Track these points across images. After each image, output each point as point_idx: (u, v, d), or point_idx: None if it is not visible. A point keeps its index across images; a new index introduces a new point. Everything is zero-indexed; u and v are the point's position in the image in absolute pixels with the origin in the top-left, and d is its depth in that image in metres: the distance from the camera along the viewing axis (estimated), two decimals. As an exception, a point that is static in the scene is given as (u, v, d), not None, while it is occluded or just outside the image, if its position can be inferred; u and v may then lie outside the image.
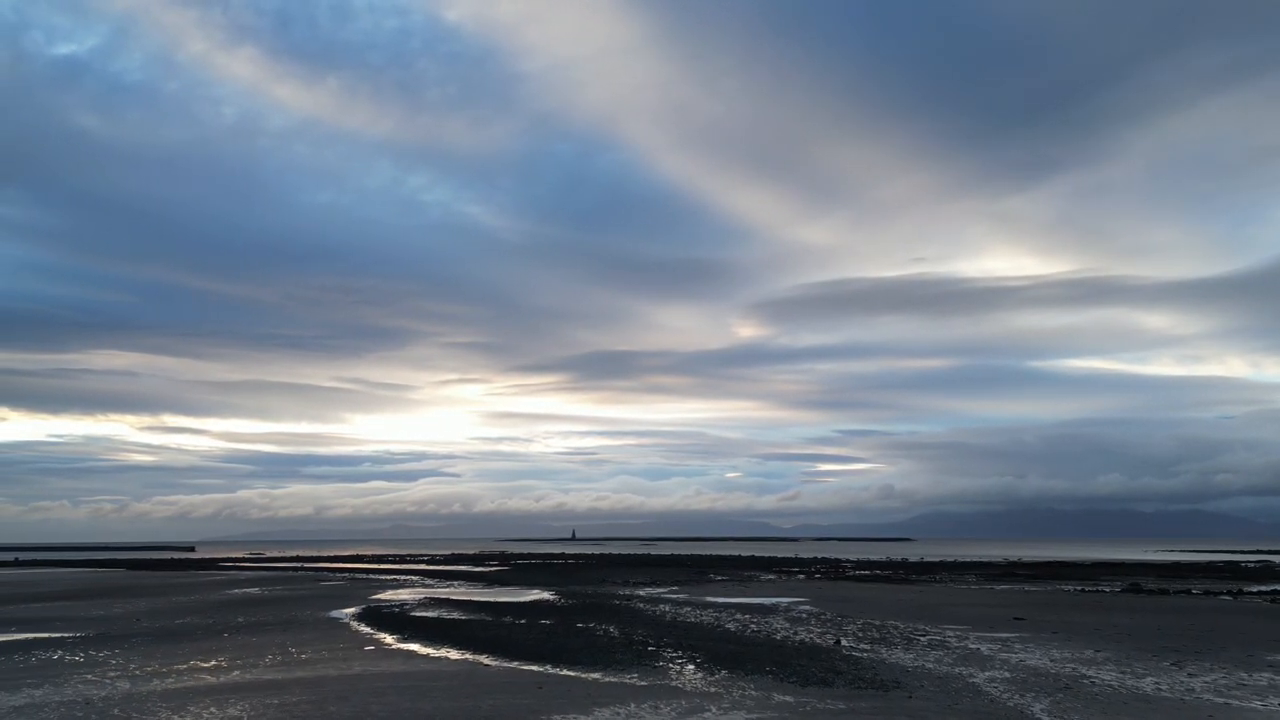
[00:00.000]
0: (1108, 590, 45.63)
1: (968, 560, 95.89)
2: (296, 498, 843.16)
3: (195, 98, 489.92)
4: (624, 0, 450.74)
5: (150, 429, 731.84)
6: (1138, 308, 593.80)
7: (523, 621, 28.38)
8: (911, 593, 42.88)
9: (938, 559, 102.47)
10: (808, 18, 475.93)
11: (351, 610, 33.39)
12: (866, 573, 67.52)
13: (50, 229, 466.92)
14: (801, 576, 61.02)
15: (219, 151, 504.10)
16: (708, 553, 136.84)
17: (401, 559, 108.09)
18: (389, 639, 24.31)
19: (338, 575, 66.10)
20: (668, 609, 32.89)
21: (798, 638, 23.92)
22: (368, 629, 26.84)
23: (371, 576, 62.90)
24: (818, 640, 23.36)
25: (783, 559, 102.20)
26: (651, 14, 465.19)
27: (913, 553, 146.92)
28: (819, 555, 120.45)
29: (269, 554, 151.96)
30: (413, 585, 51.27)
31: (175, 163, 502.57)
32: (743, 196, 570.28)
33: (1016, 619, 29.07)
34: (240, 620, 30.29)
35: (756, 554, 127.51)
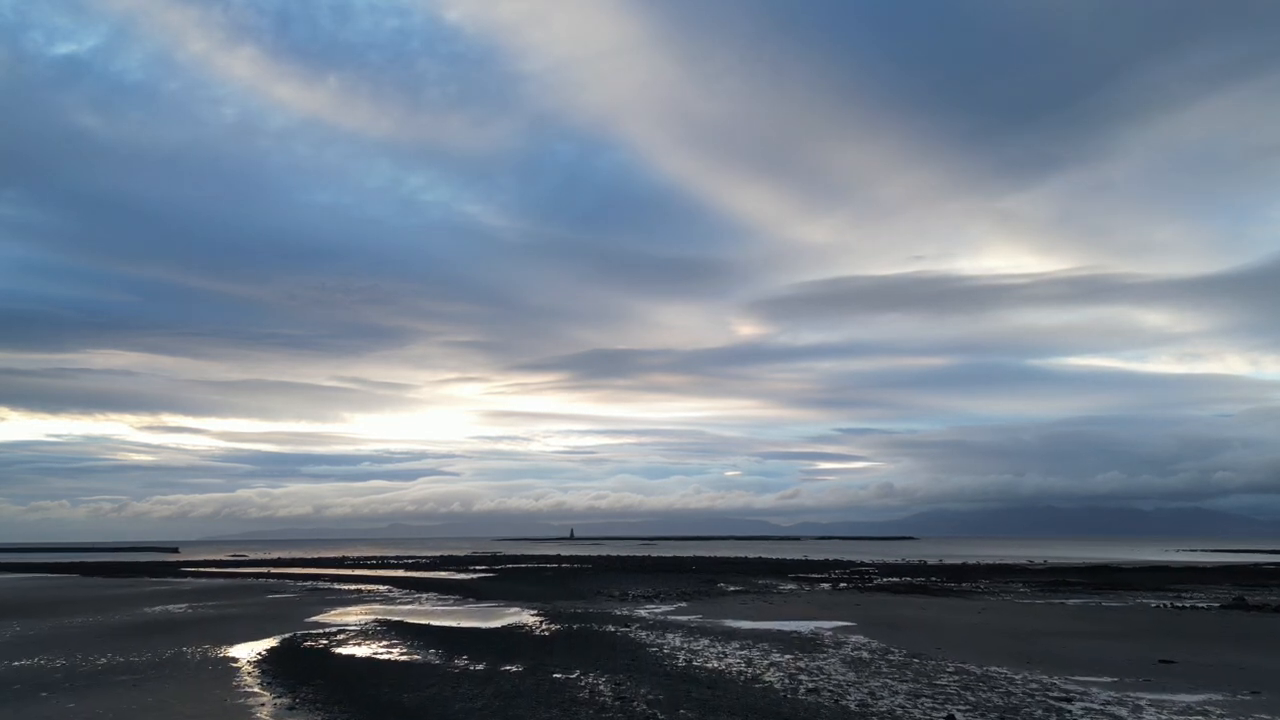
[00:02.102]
0: (1204, 606, 37.75)
1: (1001, 563, 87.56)
2: (296, 497, 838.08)
3: (195, 98, 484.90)
4: (624, 0, 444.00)
5: (149, 428, 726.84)
6: (1137, 306, 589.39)
7: (480, 667, 20.40)
8: (972, 612, 34.96)
9: (959, 560, 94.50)
10: (807, 17, 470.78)
11: (264, 645, 25.41)
12: (895, 580, 59.63)
13: (50, 229, 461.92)
14: (825, 586, 53.15)
15: (219, 151, 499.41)
16: (711, 554, 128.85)
17: (383, 562, 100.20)
18: (267, 707, 16.36)
19: (298, 584, 58.21)
20: (679, 643, 24.93)
21: (882, 704, 15.97)
22: (254, 684, 18.83)
23: (335, 586, 55.01)
24: (916, 712, 15.41)
25: (793, 562, 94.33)
26: (651, 14, 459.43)
27: (920, 552, 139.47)
28: (830, 557, 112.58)
29: (251, 555, 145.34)
30: (372, 600, 43.32)
31: (175, 162, 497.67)
32: (742, 195, 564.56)
33: (1164, 662, 21.12)
34: (103, 662, 22.29)
35: (764, 555, 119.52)
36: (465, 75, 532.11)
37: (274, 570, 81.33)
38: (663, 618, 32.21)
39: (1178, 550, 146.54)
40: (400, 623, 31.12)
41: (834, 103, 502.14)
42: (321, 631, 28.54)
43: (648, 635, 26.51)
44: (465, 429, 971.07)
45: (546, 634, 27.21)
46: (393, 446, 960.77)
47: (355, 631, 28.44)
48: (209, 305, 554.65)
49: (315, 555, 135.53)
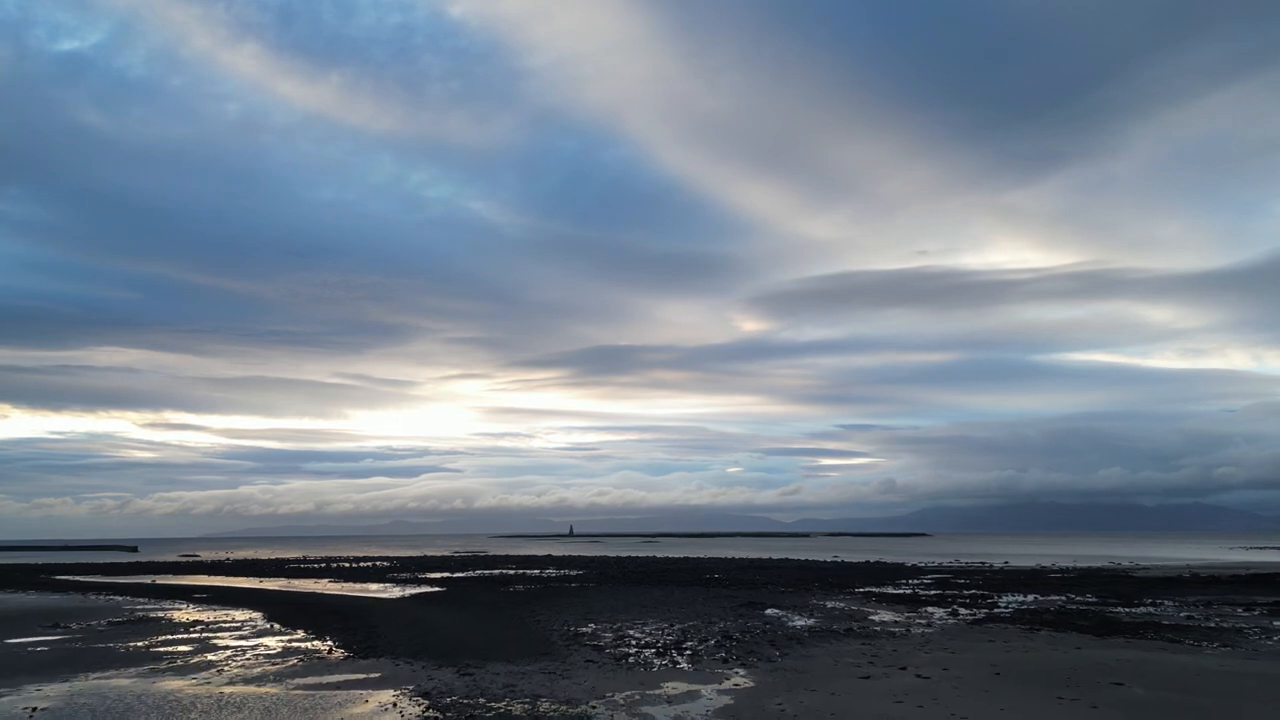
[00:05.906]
0: None
1: (1086, 567, 66.76)
2: (298, 494, 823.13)
3: (198, 94, 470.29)
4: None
5: (152, 425, 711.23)
6: (1140, 301, 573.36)
7: None
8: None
9: (1034, 564, 75.45)
10: (810, 12, 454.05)
11: None
12: (1022, 600, 40.43)
13: (53, 226, 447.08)
14: (937, 612, 34.14)
15: (222, 148, 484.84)
16: (725, 555, 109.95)
17: (328, 566, 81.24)
18: None
19: (138, 608, 39.45)
20: None
21: None
22: None
23: (174, 615, 36.19)
24: None
25: (835, 566, 75.52)
26: (654, 10, 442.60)
27: (943, 551, 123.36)
28: (870, 559, 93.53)
29: (202, 556, 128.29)
30: (160, 657, 24.29)
31: (178, 159, 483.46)
32: (745, 191, 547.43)
33: None
34: None
35: (789, 556, 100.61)
36: (468, 71, 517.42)
37: (160, 579, 63.46)
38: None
39: (1245, 549, 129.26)
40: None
41: (837, 98, 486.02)
42: None
43: None
44: (467, 425, 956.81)
45: None
46: (395, 443, 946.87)
47: None
48: (211, 302, 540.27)
49: (273, 556, 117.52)
